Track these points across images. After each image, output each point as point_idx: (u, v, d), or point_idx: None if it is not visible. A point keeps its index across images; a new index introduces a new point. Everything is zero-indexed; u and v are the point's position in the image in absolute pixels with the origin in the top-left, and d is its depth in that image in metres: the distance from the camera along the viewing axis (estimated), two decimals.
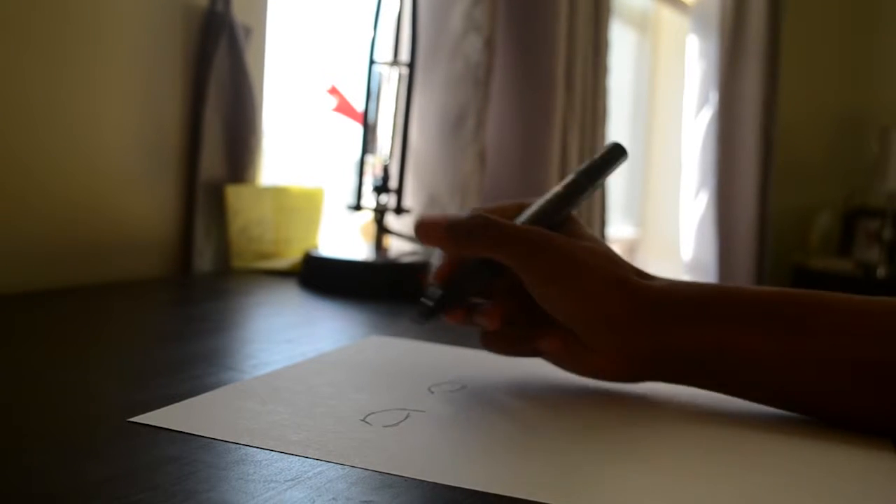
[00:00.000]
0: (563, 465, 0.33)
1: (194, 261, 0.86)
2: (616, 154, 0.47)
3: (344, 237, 1.18)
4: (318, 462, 0.32)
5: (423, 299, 0.43)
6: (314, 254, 0.82)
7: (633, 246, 2.69)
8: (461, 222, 0.42)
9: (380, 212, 0.87)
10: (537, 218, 0.44)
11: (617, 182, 2.41)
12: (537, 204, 0.45)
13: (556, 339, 0.43)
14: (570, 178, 0.46)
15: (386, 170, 0.88)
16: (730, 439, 0.38)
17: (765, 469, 0.34)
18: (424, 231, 0.42)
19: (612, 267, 0.42)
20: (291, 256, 0.94)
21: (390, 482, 0.30)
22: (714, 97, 2.29)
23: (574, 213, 0.46)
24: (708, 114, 2.30)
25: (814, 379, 0.39)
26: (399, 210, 0.88)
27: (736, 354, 0.40)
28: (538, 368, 0.49)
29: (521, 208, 0.45)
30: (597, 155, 0.47)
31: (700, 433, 0.38)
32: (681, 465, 0.34)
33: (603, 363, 0.43)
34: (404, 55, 0.90)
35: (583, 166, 0.47)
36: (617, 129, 2.06)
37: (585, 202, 1.54)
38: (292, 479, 0.30)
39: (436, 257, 0.45)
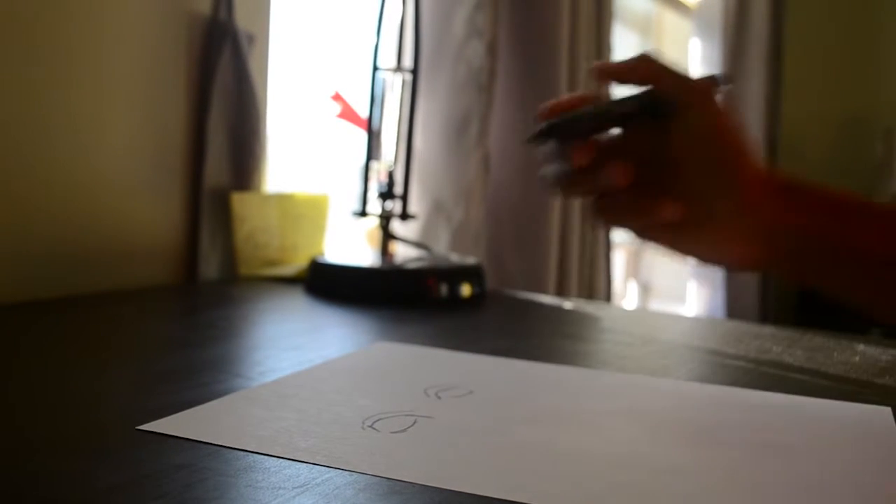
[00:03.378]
0: (569, 471, 0.33)
1: (200, 268, 0.87)
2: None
3: (349, 243, 1.18)
4: (326, 469, 0.32)
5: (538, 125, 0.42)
6: (320, 260, 0.82)
7: (637, 248, 2.69)
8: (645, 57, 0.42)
9: (385, 218, 0.88)
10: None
11: None
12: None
13: (681, 208, 0.42)
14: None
15: (391, 176, 0.88)
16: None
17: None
18: (601, 71, 0.43)
19: (749, 147, 0.43)
20: (297, 263, 0.94)
21: (398, 488, 0.30)
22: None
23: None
24: None
25: None
26: (404, 216, 0.88)
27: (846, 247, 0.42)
28: (545, 374, 0.49)
29: (584, 101, 0.44)
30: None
31: (711, 449, 0.38)
32: (686, 473, 0.34)
33: (721, 237, 0.43)
34: (407, 61, 0.90)
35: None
36: None
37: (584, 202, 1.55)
38: (300, 486, 0.30)
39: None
